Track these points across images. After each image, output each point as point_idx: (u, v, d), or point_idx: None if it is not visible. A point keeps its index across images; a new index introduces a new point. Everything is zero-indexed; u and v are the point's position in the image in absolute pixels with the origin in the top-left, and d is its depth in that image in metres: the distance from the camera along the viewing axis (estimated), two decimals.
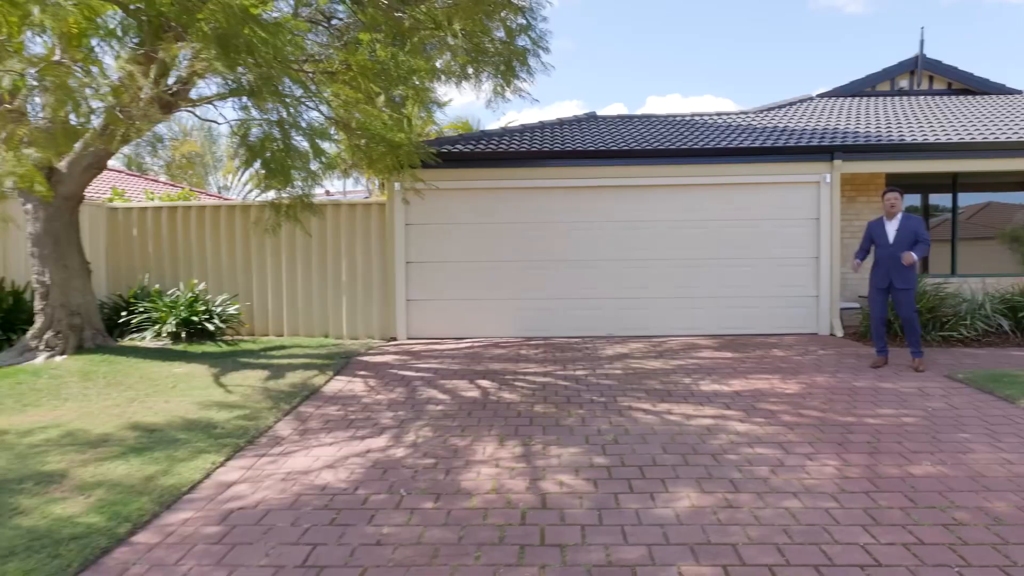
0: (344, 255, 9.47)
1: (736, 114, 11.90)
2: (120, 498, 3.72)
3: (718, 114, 11.95)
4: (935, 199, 10.61)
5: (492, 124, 10.99)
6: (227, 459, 4.44)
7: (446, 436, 4.92)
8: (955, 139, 9.18)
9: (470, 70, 7.71)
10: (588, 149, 9.26)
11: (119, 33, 6.26)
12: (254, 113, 6.38)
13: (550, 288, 9.39)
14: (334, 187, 23.11)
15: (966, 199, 10.55)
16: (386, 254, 9.39)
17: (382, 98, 7.62)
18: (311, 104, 7.46)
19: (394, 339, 9.33)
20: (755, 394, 5.93)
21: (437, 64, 8.24)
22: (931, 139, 9.22)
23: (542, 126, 11.02)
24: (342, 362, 7.51)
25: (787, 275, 9.24)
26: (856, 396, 5.80)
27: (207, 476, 4.15)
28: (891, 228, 6.71)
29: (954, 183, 10.48)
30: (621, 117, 11.77)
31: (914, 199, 10.59)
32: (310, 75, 7.83)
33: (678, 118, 11.70)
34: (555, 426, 5.11)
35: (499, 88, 7.63)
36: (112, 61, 6.61)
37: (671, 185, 9.35)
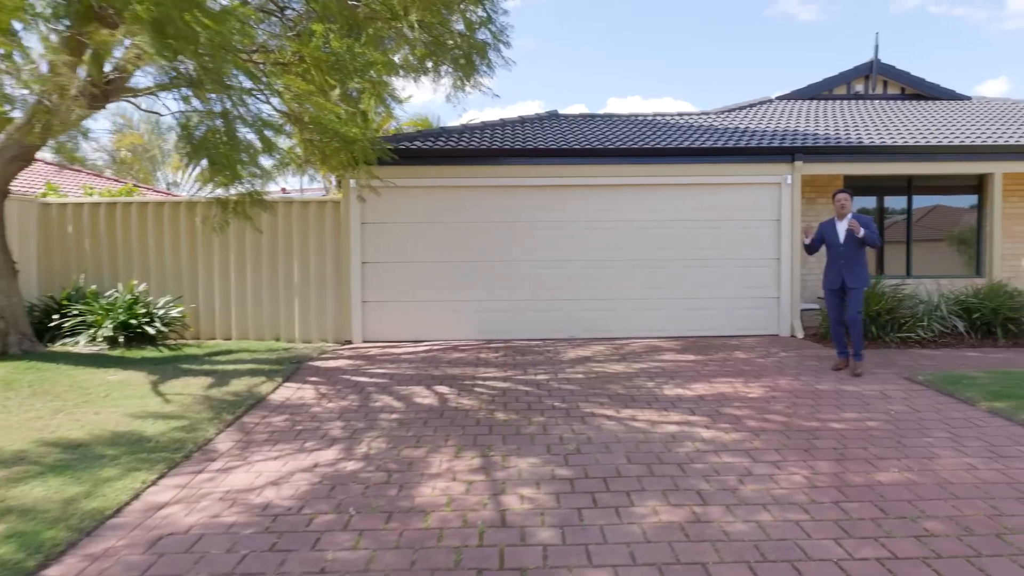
0: (297, 255, 9.08)
1: (698, 115, 11.88)
2: (33, 526, 3.35)
3: (680, 115, 11.91)
4: (890, 202, 10.75)
5: (453, 122, 10.68)
6: (159, 477, 4.09)
7: (400, 447, 4.65)
8: (911, 142, 9.28)
9: (429, 64, 7.45)
10: (551, 147, 9.07)
11: (47, 14, 5.79)
12: (197, 104, 5.97)
13: (511, 289, 9.17)
14: (290, 185, 22.52)
15: (920, 202, 10.72)
16: (341, 254, 9.04)
17: (337, 92, 7.30)
18: (262, 97, 7.10)
19: (349, 342, 8.99)
20: (719, 398, 5.81)
21: (395, 58, 7.96)
22: (887, 142, 9.31)
23: (503, 124, 10.80)
24: (292, 367, 7.16)
25: (749, 276, 9.22)
26: (820, 400, 5.73)
27: (135, 497, 3.80)
28: (841, 228, 6.67)
29: (909, 186, 10.63)
30: (584, 116, 11.63)
31: (870, 201, 10.71)
32: (261, 66, 7.46)
33: (640, 118, 11.61)
34: (515, 435, 4.89)
35: (459, 82, 7.38)
36: (39, 46, 6.14)
37: (634, 185, 9.23)
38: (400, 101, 8.39)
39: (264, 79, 7.13)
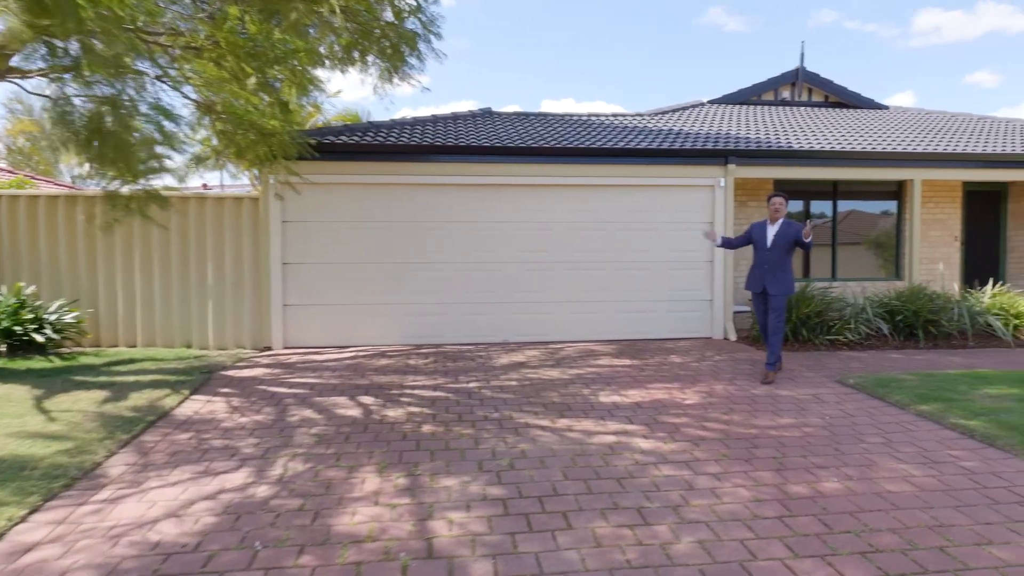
0: (211, 255, 8.43)
1: (632, 116, 11.84)
2: None
3: (614, 115, 11.83)
4: (817, 206, 10.99)
5: (386, 119, 10.13)
6: (31, 511, 3.54)
7: (318, 467, 4.23)
8: (837, 148, 9.47)
9: (355, 53, 6.99)
10: (484, 145, 8.77)
11: None
12: (80, 88, 5.33)
13: (442, 292, 8.81)
14: (218, 180, 21.38)
15: (844, 206, 11.01)
16: (260, 254, 8.45)
17: (254, 80, 6.75)
18: (167, 83, 6.48)
19: (268, 349, 8.41)
20: (656, 405, 5.65)
21: (321, 49, 7.46)
22: (815, 147, 9.47)
23: (435, 120, 10.42)
24: (202, 378, 6.57)
25: (683, 279, 9.18)
26: (756, 405, 5.65)
27: (0, 537, 3.26)
28: (771, 232, 6.50)
29: (834, 191, 10.89)
30: (518, 114, 11.39)
31: (798, 205, 10.91)
32: (172, 50, 6.83)
33: (574, 118, 11.47)
34: (445, 450, 4.55)
35: (386, 73, 6.97)
36: None
37: (569, 185, 9.04)
38: (324, 91, 7.89)
39: (172, 64, 6.53)
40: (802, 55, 13.90)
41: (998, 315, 8.61)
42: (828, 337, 8.07)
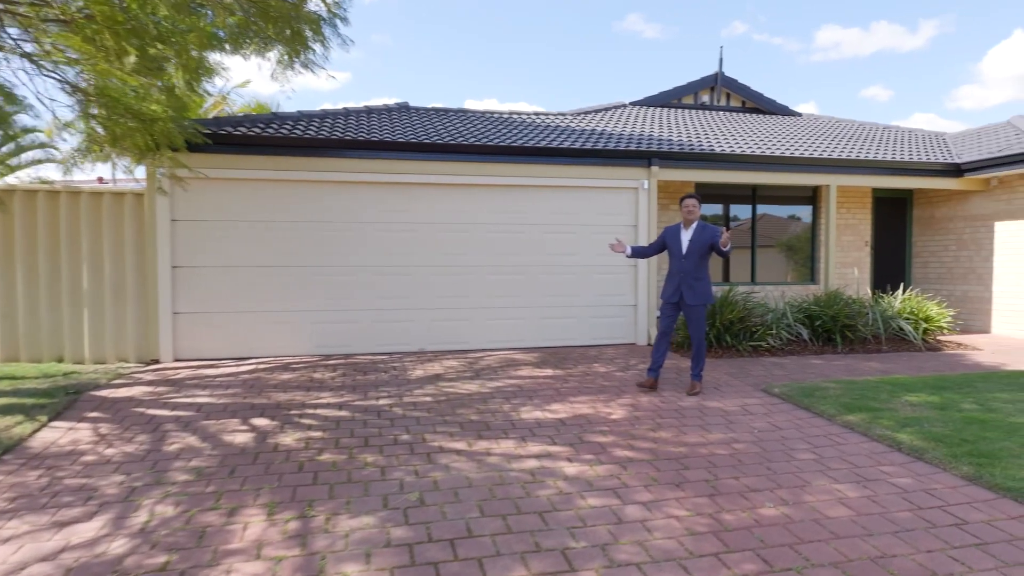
0: (87, 257, 7.47)
1: (555, 115, 11.54)
2: None
3: (536, 114, 11.50)
4: (736, 210, 11.02)
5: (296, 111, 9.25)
6: None
7: (193, 511, 3.60)
8: (757, 152, 9.47)
9: (251, 33, 6.27)
10: (400, 141, 8.20)
11: None
12: None
13: (354, 298, 8.18)
14: (103, 173, 19.69)
15: (763, 211, 11.09)
16: (146, 256, 7.57)
17: (133, 59, 5.94)
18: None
19: (156, 362, 7.54)
20: (581, 422, 5.28)
21: (220, 33, 6.69)
22: (737, 151, 9.43)
23: (347, 113, 9.74)
24: (67, 400, 5.71)
25: (607, 283, 8.92)
26: (684, 419, 5.38)
27: None
28: (685, 237, 6.09)
29: (754, 195, 10.95)
30: (437, 110, 10.86)
31: (718, 208, 10.91)
32: (39, 23, 5.91)
33: (496, 116, 11.05)
34: (346, 483, 4.00)
35: (285, 58, 6.29)
36: None
37: (490, 185, 8.60)
38: (224, 77, 7.10)
39: (27, 36, 5.64)
40: (721, 60, 14.02)
41: (908, 319, 8.81)
42: (751, 343, 7.99)
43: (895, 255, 11.80)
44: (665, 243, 6.27)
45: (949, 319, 9.04)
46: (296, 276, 8.00)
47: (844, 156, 9.76)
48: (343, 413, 5.49)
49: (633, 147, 9.00)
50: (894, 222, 11.79)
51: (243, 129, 7.94)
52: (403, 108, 10.71)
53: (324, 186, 8.10)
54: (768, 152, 9.51)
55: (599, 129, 10.31)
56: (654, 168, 8.88)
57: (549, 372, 7.14)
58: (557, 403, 5.84)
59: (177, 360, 7.62)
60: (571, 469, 4.25)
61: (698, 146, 9.49)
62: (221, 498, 3.77)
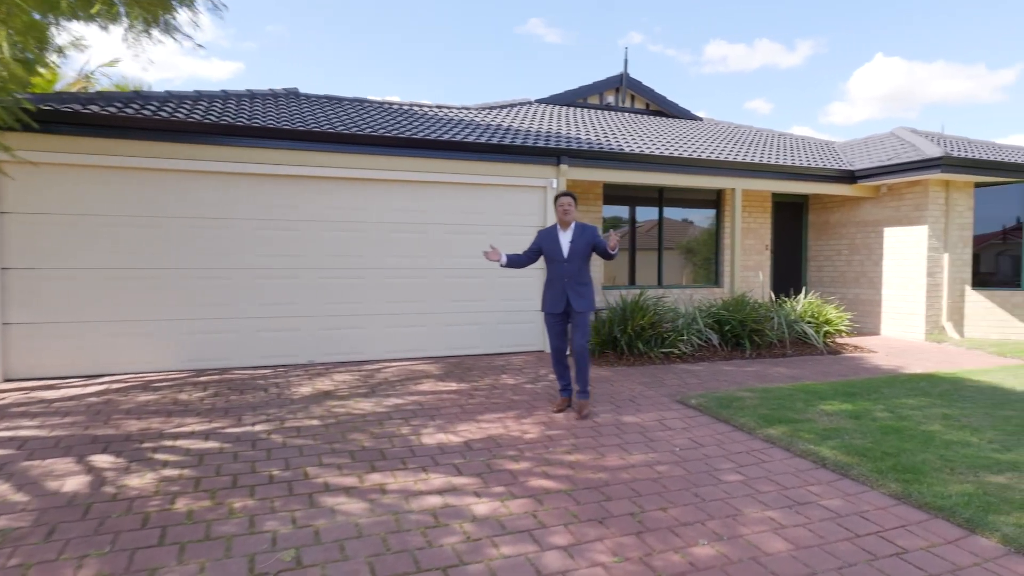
0: None
1: (458, 108, 10.94)
2: None
3: (439, 107, 10.85)
4: (642, 212, 10.86)
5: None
6: None
7: None
8: (667, 153, 9.28)
9: None
10: (287, 128, 7.32)
11: None
12: None
13: (231, 305, 7.23)
14: None
15: (669, 213, 10.99)
16: None
17: None
18: None
19: None
20: (491, 445, 4.71)
21: None
22: (646, 151, 9.20)
23: (226, 96, 8.70)
24: None
25: (515, 287, 8.42)
26: (601, 437, 4.93)
27: None
28: (565, 239, 5.48)
29: (660, 197, 10.81)
30: (330, 98, 9.98)
31: (623, 211, 10.70)
32: None
33: (395, 106, 10.31)
34: (203, 541, 3.22)
35: (138, 22, 5.31)
36: None
37: (390, 180, 7.88)
38: (78, 48, 5.97)
39: None
40: (626, 61, 13.95)
41: (810, 323, 8.89)
42: (663, 350, 7.73)
43: (792, 259, 12.08)
44: (542, 248, 5.58)
45: (847, 322, 9.22)
46: (161, 280, 6.95)
47: (750, 160, 9.77)
48: (210, 444, 4.63)
49: (542, 144, 8.55)
50: (791, 226, 12.06)
51: (95, 108, 6.80)
52: (292, 95, 9.76)
53: (196, 177, 7.09)
54: (677, 153, 9.35)
55: (505, 125, 9.81)
56: (563, 166, 8.48)
57: (453, 386, 6.53)
58: (463, 423, 5.24)
59: (8, 380, 6.40)
60: (480, 507, 3.66)
61: (607, 145, 9.19)
62: (28, 571, 2.90)
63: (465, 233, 8.22)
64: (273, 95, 9.42)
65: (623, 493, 3.90)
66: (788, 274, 11.96)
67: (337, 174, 7.59)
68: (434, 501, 3.72)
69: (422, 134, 8.13)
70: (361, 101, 10.18)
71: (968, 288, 10.14)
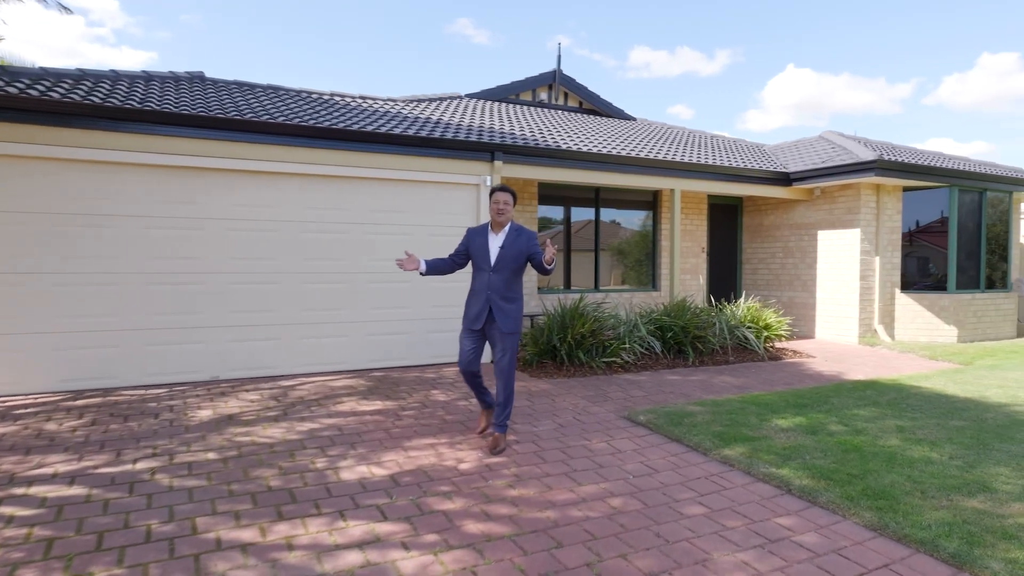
0: None
1: (383, 100, 10.20)
2: None
3: (363, 97, 10.07)
4: (579, 213, 10.44)
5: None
6: None
7: None
8: (607, 151, 8.87)
9: None
10: (186, 113, 6.43)
11: None
12: None
13: (118, 315, 6.28)
14: None
15: (606, 215, 10.61)
16: None
17: None
18: None
19: None
20: (421, 479, 4.08)
21: None
22: (584, 149, 8.77)
23: (116, 76, 7.67)
24: None
25: (445, 293, 7.78)
26: (545, 464, 4.38)
27: None
28: (495, 243, 4.60)
29: (597, 198, 10.42)
30: (240, 84, 9.04)
31: (558, 212, 10.25)
32: None
33: (314, 96, 9.48)
34: None
35: None
36: None
37: (306, 175, 7.10)
38: None
39: None
40: (559, 57, 13.58)
41: (751, 328, 8.67)
42: (605, 359, 7.27)
43: (727, 261, 11.96)
44: (469, 250, 4.72)
45: (787, 327, 9.08)
46: (27, 286, 5.94)
47: (691, 160, 9.51)
48: (75, 491, 3.79)
49: (474, 138, 7.96)
50: (726, 229, 11.94)
51: None
52: (197, 79, 8.78)
53: (70, 166, 6.11)
54: (616, 151, 8.96)
55: (435, 118, 9.16)
56: (497, 163, 7.91)
57: (378, 405, 5.83)
58: (389, 451, 4.58)
59: None
60: (409, 564, 3.03)
61: (542, 142, 8.69)
62: None
63: (391, 234, 7.53)
64: (174, 78, 8.42)
65: (576, 536, 3.35)
66: (723, 277, 11.83)
67: (246, 167, 6.75)
68: (353, 558, 3.07)
69: (343, 125, 7.38)
70: (276, 89, 9.29)
71: (898, 291, 10.24)
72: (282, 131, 6.84)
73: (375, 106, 9.45)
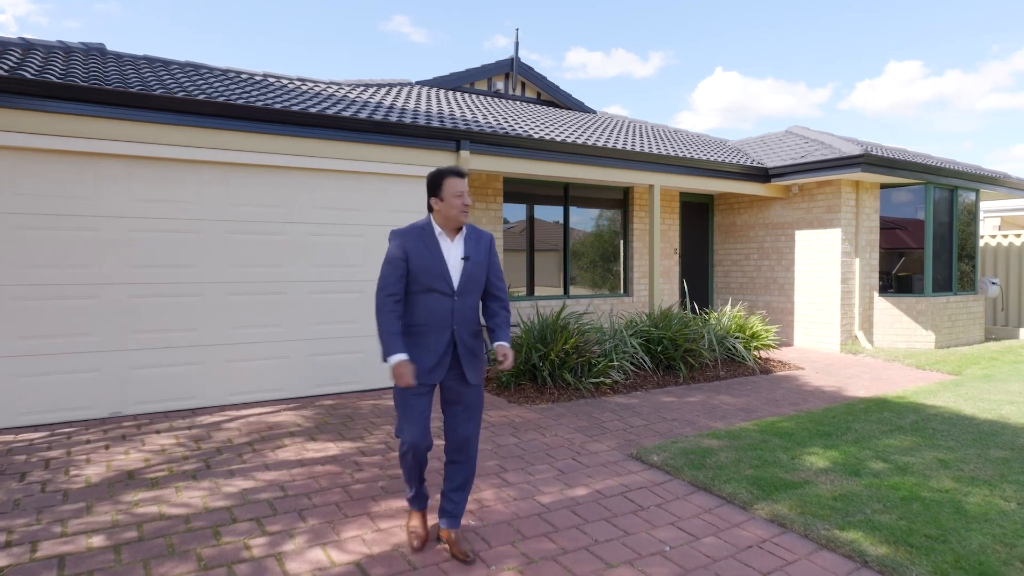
0: None
1: (326, 83, 8.96)
2: None
3: (301, 79, 8.82)
4: (545, 212, 9.50)
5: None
6: None
7: None
8: (590, 142, 7.95)
9: None
10: (76, 84, 5.09)
11: None
12: None
13: None
14: None
15: (575, 214, 9.72)
16: None
17: None
18: None
19: None
20: (400, 568, 3.00)
21: None
22: (563, 139, 7.82)
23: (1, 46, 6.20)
24: None
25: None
26: (557, 532, 3.39)
27: None
28: (453, 254, 3.08)
29: (566, 195, 9.51)
30: (149, 59, 7.65)
31: (518, 211, 9.28)
32: None
33: (244, 75, 8.16)
34: None
35: None
36: None
37: (232, 164, 5.86)
38: None
39: None
40: (516, 43, 12.54)
41: (739, 338, 7.93)
42: (592, 381, 6.33)
43: (698, 263, 11.27)
44: (410, 265, 3.02)
45: (774, 335, 8.40)
46: None
47: (674, 154, 8.71)
48: None
49: (437, 124, 6.88)
50: (697, 229, 11.25)
51: None
52: (96, 51, 7.35)
53: None
54: (602, 143, 8.05)
55: (387, 103, 8.02)
56: (464, 153, 6.86)
57: (331, 448, 4.69)
58: (351, 522, 3.47)
59: None
60: None
61: (512, 131, 7.69)
62: None
63: (339, 235, 6.37)
64: (65, 49, 6.97)
65: None
66: (694, 280, 11.12)
67: (154, 152, 5.46)
68: None
69: (281, 105, 6.18)
70: (196, 67, 7.93)
71: (876, 295, 9.76)
72: (202, 110, 5.58)
73: (316, 89, 8.22)
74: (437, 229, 3.08)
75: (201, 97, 5.66)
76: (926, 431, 5.36)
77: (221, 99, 5.76)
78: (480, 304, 3.20)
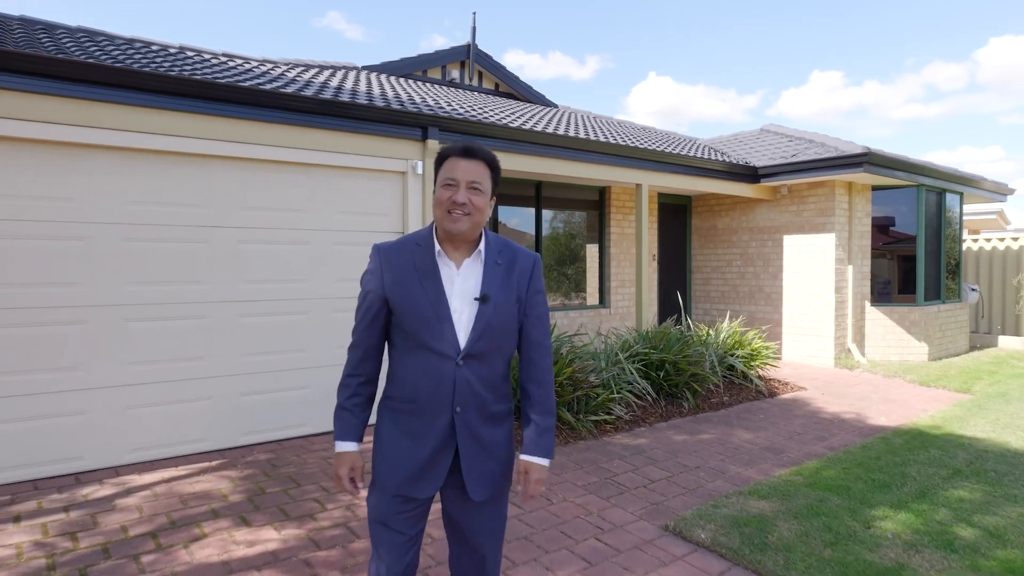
0: None
1: (258, 61, 7.60)
2: None
3: (227, 55, 7.44)
4: (516, 214, 8.41)
5: None
6: None
7: None
8: (580, 134, 6.90)
9: None
10: None
11: None
12: None
13: None
14: None
15: (547, 217, 8.67)
16: None
17: None
18: None
19: None
20: None
21: None
22: (538, 129, 6.75)
23: None
24: None
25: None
26: None
27: None
28: (462, 285, 1.89)
29: (538, 195, 8.45)
30: (29, 20, 6.16)
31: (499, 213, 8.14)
32: None
33: (156, 46, 6.74)
34: None
35: None
36: None
37: (135, 149, 4.52)
38: None
39: None
40: (473, 29, 11.40)
41: (740, 357, 7.04)
42: (593, 418, 5.26)
43: (675, 270, 10.39)
44: (391, 308, 1.92)
45: (774, 352, 7.57)
46: None
47: (666, 150, 7.78)
48: None
49: (398, 107, 5.68)
50: (673, 232, 10.38)
51: None
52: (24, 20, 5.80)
53: None
54: (590, 136, 7.02)
55: (334, 84, 6.76)
56: (432, 142, 5.69)
57: (272, 537, 3.44)
58: None
59: None
60: None
61: (486, 119, 6.57)
62: None
63: (276, 242, 5.10)
64: None
65: None
66: (671, 289, 10.24)
67: (19, 132, 4.08)
68: None
69: (202, 76, 4.86)
70: (92, 34, 6.46)
71: (868, 304, 9.10)
72: (90, 75, 4.23)
73: (247, 66, 6.87)
74: (438, 246, 1.90)
75: (86, 59, 4.30)
76: (988, 475, 4.55)
77: (117, 64, 4.42)
78: (507, 370, 1.97)
